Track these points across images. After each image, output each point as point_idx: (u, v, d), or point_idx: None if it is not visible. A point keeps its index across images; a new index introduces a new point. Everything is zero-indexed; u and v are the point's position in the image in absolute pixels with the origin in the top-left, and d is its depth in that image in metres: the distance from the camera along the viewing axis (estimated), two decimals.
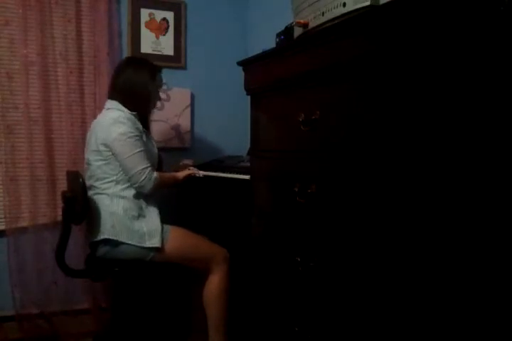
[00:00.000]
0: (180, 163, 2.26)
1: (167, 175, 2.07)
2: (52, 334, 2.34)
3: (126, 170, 1.87)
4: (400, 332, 1.01)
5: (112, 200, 1.88)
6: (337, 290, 1.21)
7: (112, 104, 1.95)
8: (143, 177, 1.86)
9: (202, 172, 2.13)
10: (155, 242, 1.85)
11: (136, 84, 1.97)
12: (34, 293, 2.36)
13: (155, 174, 1.90)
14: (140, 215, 1.88)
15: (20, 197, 2.36)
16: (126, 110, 1.92)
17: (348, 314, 1.17)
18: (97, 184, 1.91)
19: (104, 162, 1.89)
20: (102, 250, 1.89)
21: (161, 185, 1.98)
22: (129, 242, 1.84)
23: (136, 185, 1.88)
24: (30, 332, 2.32)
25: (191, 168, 2.19)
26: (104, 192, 1.90)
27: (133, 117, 1.92)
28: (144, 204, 1.92)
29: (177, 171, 2.15)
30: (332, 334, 1.23)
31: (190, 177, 2.12)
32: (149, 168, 1.88)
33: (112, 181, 1.89)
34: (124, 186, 1.89)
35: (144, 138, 1.95)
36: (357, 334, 1.14)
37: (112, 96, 1.99)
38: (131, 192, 1.89)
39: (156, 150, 2.05)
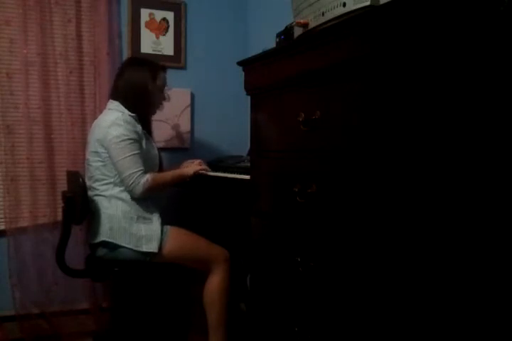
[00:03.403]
0: (184, 163, 2.21)
1: (171, 173, 2.04)
2: (52, 334, 2.34)
3: (118, 173, 1.87)
4: (399, 332, 1.01)
5: (111, 202, 1.88)
6: (337, 290, 1.21)
7: (113, 105, 1.95)
8: (130, 182, 1.85)
9: (212, 174, 2.06)
10: (152, 247, 1.85)
11: (136, 84, 1.97)
12: (34, 293, 2.36)
13: (145, 178, 1.86)
14: (139, 217, 1.87)
15: (20, 197, 2.36)
16: (126, 112, 1.91)
17: (348, 314, 1.17)
18: (95, 185, 1.91)
19: (102, 163, 1.88)
20: (101, 252, 1.90)
21: (161, 185, 1.96)
22: (126, 245, 1.84)
23: (127, 190, 1.88)
24: (30, 332, 2.32)
25: (201, 162, 2.14)
26: (102, 193, 1.90)
27: (132, 119, 1.91)
28: (143, 206, 1.91)
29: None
30: (332, 334, 1.23)
31: (198, 175, 2.06)
32: (139, 173, 1.86)
33: (109, 183, 1.89)
34: (122, 188, 1.89)
35: (144, 141, 1.94)
36: (357, 334, 1.14)
37: (113, 96, 1.99)
38: (129, 194, 1.89)
39: (156, 152, 2.04)
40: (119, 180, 1.88)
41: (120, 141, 1.84)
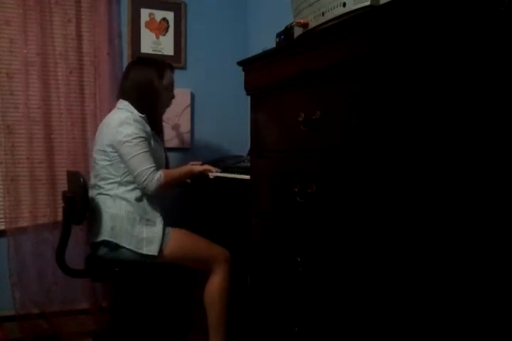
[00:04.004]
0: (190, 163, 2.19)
1: (179, 170, 2.04)
2: (52, 334, 2.34)
3: (130, 171, 1.87)
4: (399, 332, 1.01)
5: (115, 202, 1.88)
6: (337, 290, 1.21)
7: (122, 105, 1.95)
8: (144, 179, 1.85)
9: (213, 174, 2.04)
10: (152, 250, 1.84)
11: (142, 83, 1.96)
12: (34, 293, 2.36)
13: (158, 174, 1.87)
14: (142, 218, 1.87)
15: (20, 197, 2.36)
16: (135, 112, 1.91)
17: (347, 314, 1.17)
18: (101, 183, 1.92)
19: (109, 162, 1.89)
20: (102, 251, 1.90)
21: (172, 182, 1.95)
22: (127, 246, 1.84)
23: (140, 187, 1.88)
24: (30, 332, 2.32)
25: (208, 165, 2.11)
26: (107, 192, 1.90)
27: (142, 119, 1.91)
28: (147, 207, 1.90)
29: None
30: (332, 334, 1.23)
31: (202, 176, 2.06)
32: (151, 169, 1.86)
33: (115, 182, 1.89)
34: (127, 188, 1.89)
35: (152, 141, 1.94)
36: (357, 334, 1.14)
37: (122, 96, 1.99)
38: (134, 194, 1.89)
39: (163, 154, 2.04)
40: (126, 179, 1.88)
41: (132, 139, 1.84)
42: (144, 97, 1.95)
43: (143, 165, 1.85)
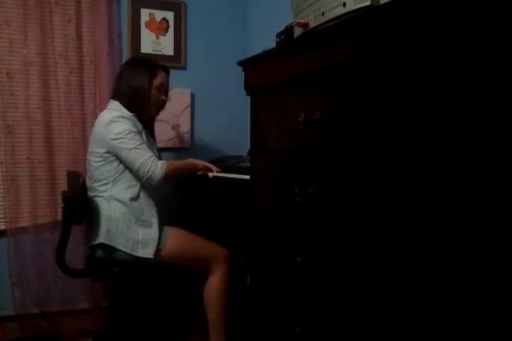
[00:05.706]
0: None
1: (182, 162, 2.04)
2: (52, 334, 2.34)
3: (131, 166, 1.85)
4: (399, 332, 1.01)
5: (110, 203, 1.87)
6: (337, 290, 1.21)
7: (112, 105, 1.94)
8: (148, 168, 1.83)
9: (213, 174, 2.04)
10: (147, 252, 1.83)
11: (133, 84, 1.95)
12: (34, 293, 2.36)
13: (161, 162, 1.87)
14: (138, 219, 1.85)
15: (20, 197, 2.36)
16: (125, 111, 1.91)
17: (347, 314, 1.17)
18: (95, 185, 1.91)
19: (101, 163, 1.88)
20: (99, 253, 1.89)
21: (175, 171, 1.94)
22: (123, 249, 1.83)
23: (144, 179, 1.85)
24: (30, 332, 2.32)
25: (212, 166, 2.10)
26: (101, 194, 1.89)
27: (132, 117, 1.91)
28: (143, 207, 1.89)
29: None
30: (332, 334, 1.23)
31: (203, 174, 2.05)
32: (153, 158, 1.85)
33: (108, 183, 1.88)
34: (120, 189, 1.87)
35: (143, 137, 1.94)
36: (357, 334, 1.14)
37: (113, 96, 1.99)
38: (129, 194, 1.87)
39: (156, 151, 2.04)
40: (119, 178, 1.86)
41: (125, 135, 1.83)
42: (133, 97, 1.93)
43: (143, 156, 1.84)
